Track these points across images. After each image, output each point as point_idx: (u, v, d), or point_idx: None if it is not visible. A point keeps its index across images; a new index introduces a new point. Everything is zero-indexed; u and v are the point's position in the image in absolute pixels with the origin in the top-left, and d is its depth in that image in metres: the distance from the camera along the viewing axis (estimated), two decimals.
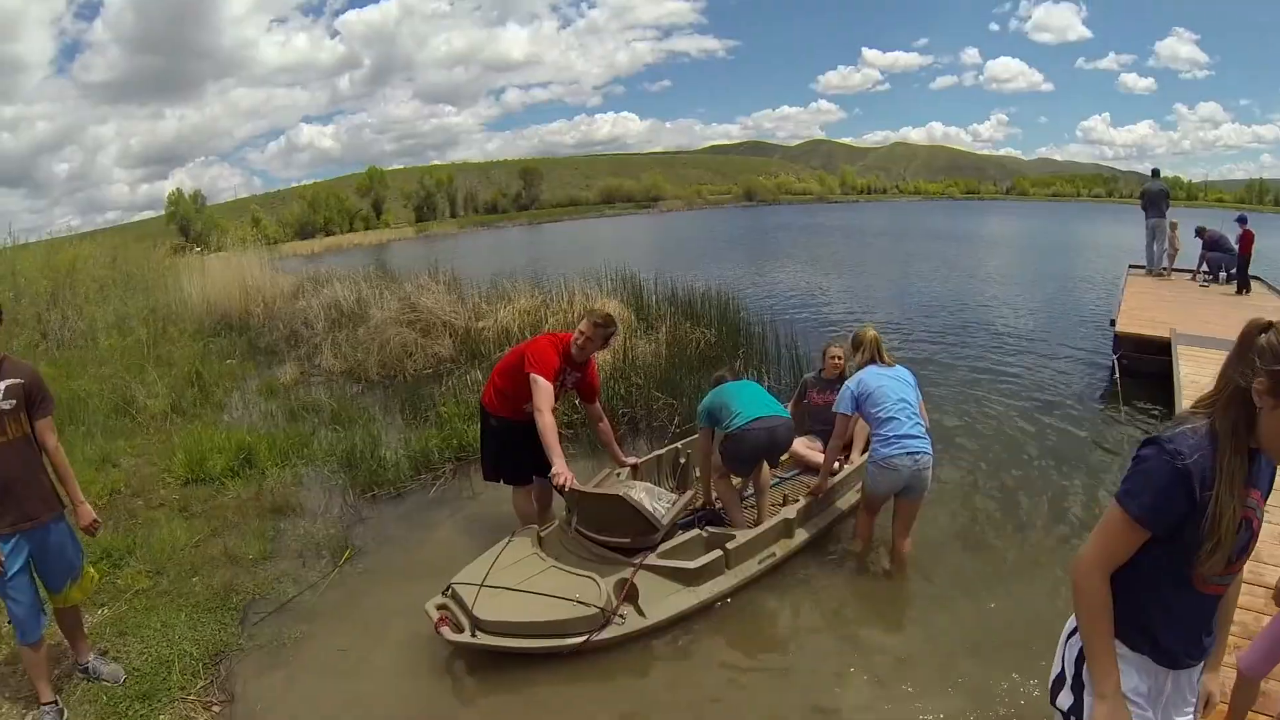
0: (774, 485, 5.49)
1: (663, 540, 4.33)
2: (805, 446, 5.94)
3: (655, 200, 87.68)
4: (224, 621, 4.26)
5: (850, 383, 4.78)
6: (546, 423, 4.25)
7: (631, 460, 5.34)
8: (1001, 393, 8.65)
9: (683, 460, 5.79)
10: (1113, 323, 9.96)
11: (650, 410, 7.45)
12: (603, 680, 3.82)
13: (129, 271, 15.70)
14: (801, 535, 4.92)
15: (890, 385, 4.68)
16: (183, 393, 8.37)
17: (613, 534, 4.22)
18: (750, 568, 4.54)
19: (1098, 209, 77.58)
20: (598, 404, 5.17)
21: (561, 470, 4.12)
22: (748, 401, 4.82)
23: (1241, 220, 13.51)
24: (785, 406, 5.92)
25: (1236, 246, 13.24)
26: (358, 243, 44.43)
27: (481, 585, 3.88)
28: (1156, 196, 14.58)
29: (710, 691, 3.79)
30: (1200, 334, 9.17)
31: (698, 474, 5.55)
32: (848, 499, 5.40)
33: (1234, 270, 13.43)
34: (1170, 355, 8.44)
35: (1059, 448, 6.93)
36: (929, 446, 4.58)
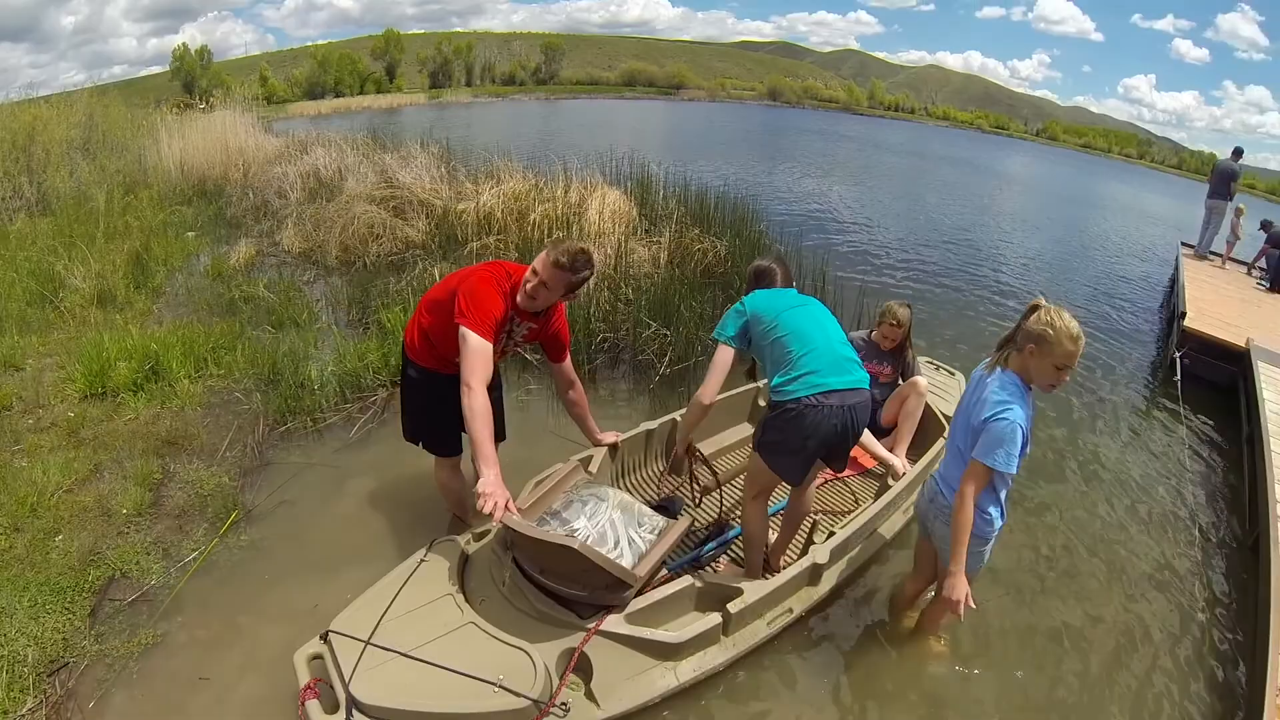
0: None
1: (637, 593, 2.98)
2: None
3: (677, 88, 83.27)
4: (73, 609, 3.18)
5: (1016, 417, 2.71)
6: (475, 406, 2.77)
7: (611, 439, 3.87)
8: None
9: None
10: (1182, 315, 8.44)
11: (637, 339, 5.99)
12: None
13: (106, 132, 14.09)
14: (830, 581, 3.55)
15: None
16: (119, 275, 7.01)
17: (562, 581, 2.84)
18: (756, 632, 3.21)
19: (1128, 169, 73.60)
20: (568, 363, 3.57)
21: (492, 489, 2.65)
22: (823, 350, 3.06)
23: None
24: None
25: None
26: (367, 105, 41.36)
27: (368, 643, 2.57)
28: (1220, 175, 13.06)
29: None
30: (1275, 349, 7.87)
31: (699, 455, 4.10)
32: (894, 523, 4.02)
33: None
34: (1240, 367, 7.35)
35: (1114, 462, 5.70)
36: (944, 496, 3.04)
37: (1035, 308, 2.76)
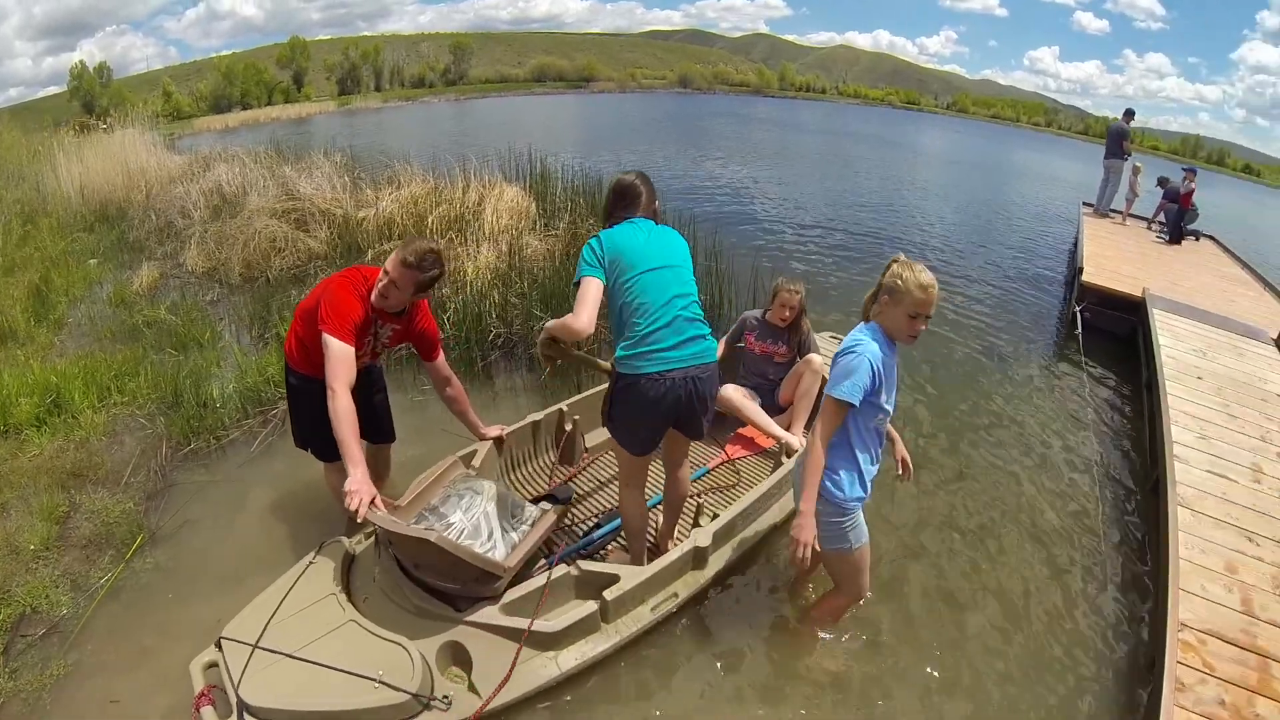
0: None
1: (513, 582, 2.96)
2: (745, 398, 4.55)
3: (587, 80, 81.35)
4: None
5: (865, 350, 2.68)
6: (339, 409, 2.80)
7: (495, 432, 3.81)
8: (945, 332, 7.49)
9: (569, 426, 4.18)
10: (1080, 270, 8.73)
11: (529, 332, 5.98)
12: None
13: (1, 160, 13.41)
14: (717, 564, 3.47)
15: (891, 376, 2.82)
16: (19, 309, 6.70)
17: (435, 575, 2.86)
18: (640, 618, 3.15)
19: (1036, 137, 74.60)
20: (441, 360, 3.53)
21: (357, 486, 2.68)
22: (670, 328, 2.92)
23: (1190, 173, 12.64)
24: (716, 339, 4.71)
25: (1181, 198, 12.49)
26: (276, 116, 39.24)
27: (255, 647, 2.58)
28: (1113, 136, 13.55)
29: None
30: (1175, 298, 8.12)
31: (587, 448, 4.18)
32: (788, 504, 3.89)
33: (1194, 227, 12.99)
34: (1139, 316, 7.53)
35: (1021, 418, 5.84)
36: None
37: (892, 263, 2.74)
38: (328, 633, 2.65)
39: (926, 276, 2.65)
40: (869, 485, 2.91)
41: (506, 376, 5.79)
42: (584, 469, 4.21)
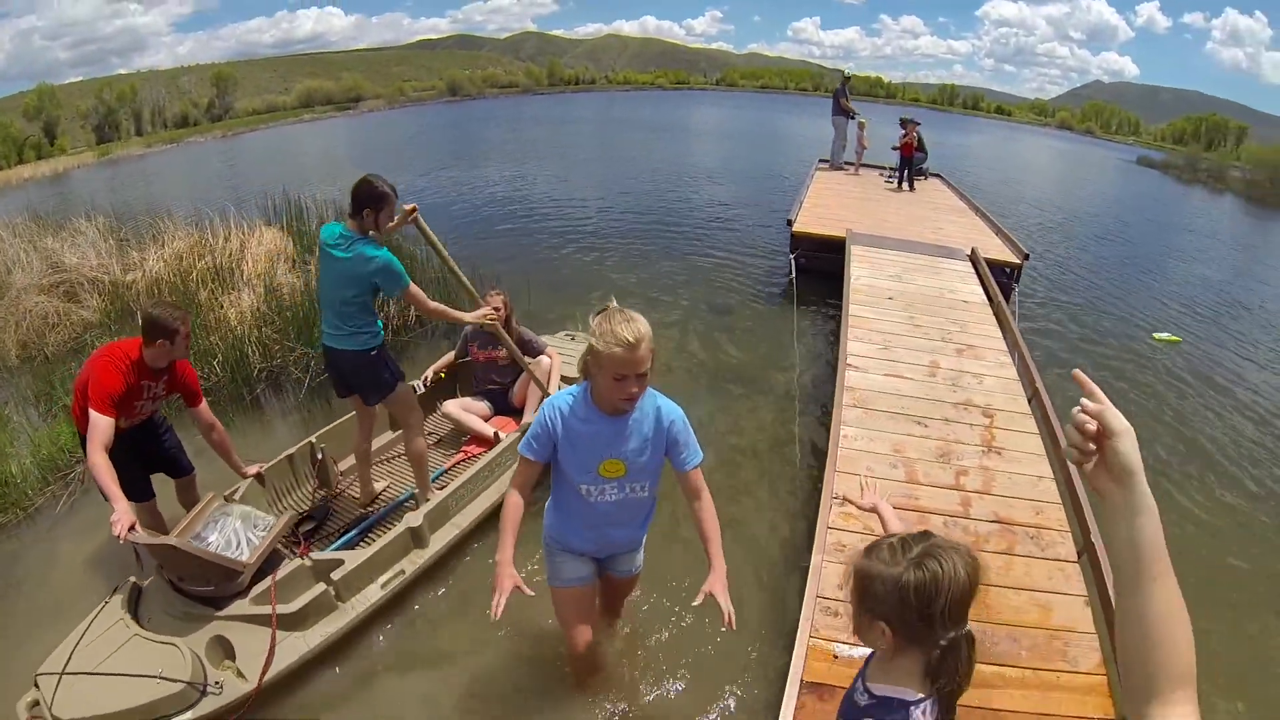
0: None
1: (260, 576, 3.35)
2: (461, 410, 4.93)
3: (356, 100, 75.94)
4: None
5: (547, 405, 2.40)
6: (95, 466, 3.22)
7: (254, 470, 4.16)
8: (682, 289, 8.09)
9: (319, 455, 4.45)
10: (789, 222, 9.10)
11: (288, 362, 6.27)
12: None
13: None
14: (439, 542, 3.86)
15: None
16: None
17: (195, 582, 3.26)
18: (371, 595, 3.54)
19: (806, 101, 73.62)
20: (204, 406, 3.87)
21: (118, 516, 3.09)
22: (325, 315, 3.85)
23: (913, 123, 12.98)
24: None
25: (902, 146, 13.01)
26: (29, 176, 32.64)
27: (63, 674, 2.91)
28: (834, 96, 14.47)
29: None
30: (876, 234, 8.76)
31: (340, 470, 4.58)
32: (501, 485, 4.28)
33: (923, 168, 13.64)
34: (844, 254, 7.93)
35: (740, 360, 6.35)
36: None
37: (598, 313, 2.22)
38: (118, 648, 2.99)
39: (631, 330, 2.10)
40: (577, 541, 2.64)
41: (273, 403, 6.02)
42: (342, 489, 4.54)
